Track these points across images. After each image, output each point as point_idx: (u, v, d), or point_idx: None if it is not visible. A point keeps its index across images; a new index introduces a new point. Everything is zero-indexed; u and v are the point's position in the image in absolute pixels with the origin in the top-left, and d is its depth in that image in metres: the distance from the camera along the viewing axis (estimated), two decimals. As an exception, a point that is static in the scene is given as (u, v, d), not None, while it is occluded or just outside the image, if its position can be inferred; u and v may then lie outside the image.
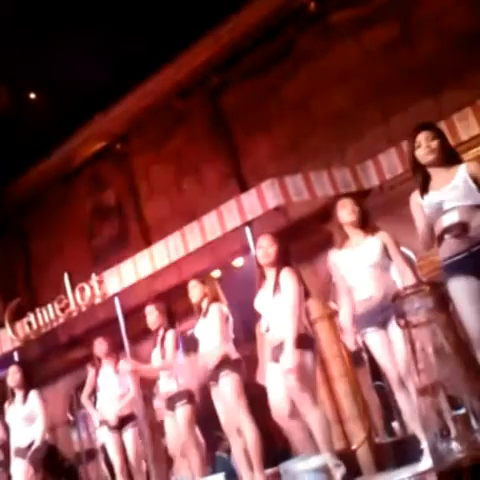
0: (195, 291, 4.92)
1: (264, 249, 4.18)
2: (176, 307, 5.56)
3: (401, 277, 3.78)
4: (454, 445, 1.01)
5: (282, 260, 4.19)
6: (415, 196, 3.37)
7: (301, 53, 6.96)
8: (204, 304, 4.84)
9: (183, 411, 5.07)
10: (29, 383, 5.90)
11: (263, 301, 4.18)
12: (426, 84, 6.10)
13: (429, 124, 3.47)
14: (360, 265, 3.85)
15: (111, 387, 5.91)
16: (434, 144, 3.32)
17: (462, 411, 1.03)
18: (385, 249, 3.87)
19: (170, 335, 5.22)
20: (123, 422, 5.82)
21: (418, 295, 0.99)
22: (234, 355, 4.68)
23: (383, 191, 5.90)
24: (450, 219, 3.16)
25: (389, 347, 3.74)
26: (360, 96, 6.55)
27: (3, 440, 6.39)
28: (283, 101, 7.09)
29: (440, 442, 1.01)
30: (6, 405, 5.94)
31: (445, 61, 6.00)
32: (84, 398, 6.13)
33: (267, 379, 4.14)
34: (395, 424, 6.01)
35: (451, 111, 5.55)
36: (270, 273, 4.20)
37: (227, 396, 4.58)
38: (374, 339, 3.82)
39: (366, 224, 4.01)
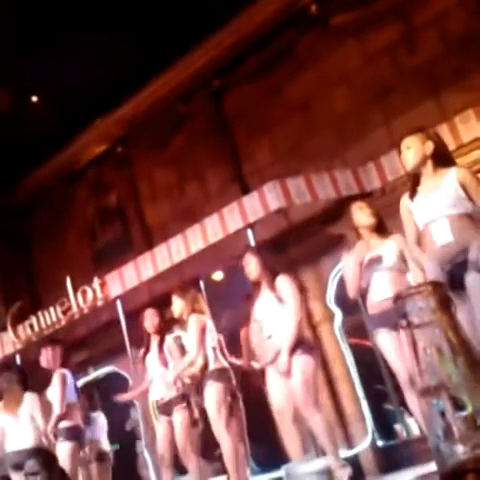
0: (175, 305, 5.00)
1: (247, 267, 4.33)
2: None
3: (416, 279, 3.76)
4: (457, 446, 1.00)
5: (269, 270, 4.26)
6: (404, 198, 3.38)
7: (302, 55, 6.96)
8: (185, 317, 4.91)
9: (181, 415, 5.06)
10: None
11: (263, 309, 4.23)
12: (427, 86, 6.09)
13: (411, 130, 3.49)
14: (378, 268, 3.83)
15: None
16: (410, 153, 3.37)
17: (465, 412, 1.03)
18: (402, 252, 3.85)
19: (170, 339, 5.24)
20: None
21: (421, 295, 0.98)
22: (217, 365, 4.65)
23: (385, 193, 5.89)
24: (440, 228, 3.16)
25: (400, 348, 3.72)
26: (361, 98, 6.55)
27: None
28: (284, 103, 7.08)
29: (443, 443, 1.00)
30: None
31: (446, 63, 6.00)
32: None
33: (268, 384, 4.17)
34: (397, 426, 6.00)
35: (453, 113, 5.54)
36: (265, 283, 4.27)
37: (209, 407, 4.58)
38: (386, 340, 3.81)
39: (382, 227, 3.99)
